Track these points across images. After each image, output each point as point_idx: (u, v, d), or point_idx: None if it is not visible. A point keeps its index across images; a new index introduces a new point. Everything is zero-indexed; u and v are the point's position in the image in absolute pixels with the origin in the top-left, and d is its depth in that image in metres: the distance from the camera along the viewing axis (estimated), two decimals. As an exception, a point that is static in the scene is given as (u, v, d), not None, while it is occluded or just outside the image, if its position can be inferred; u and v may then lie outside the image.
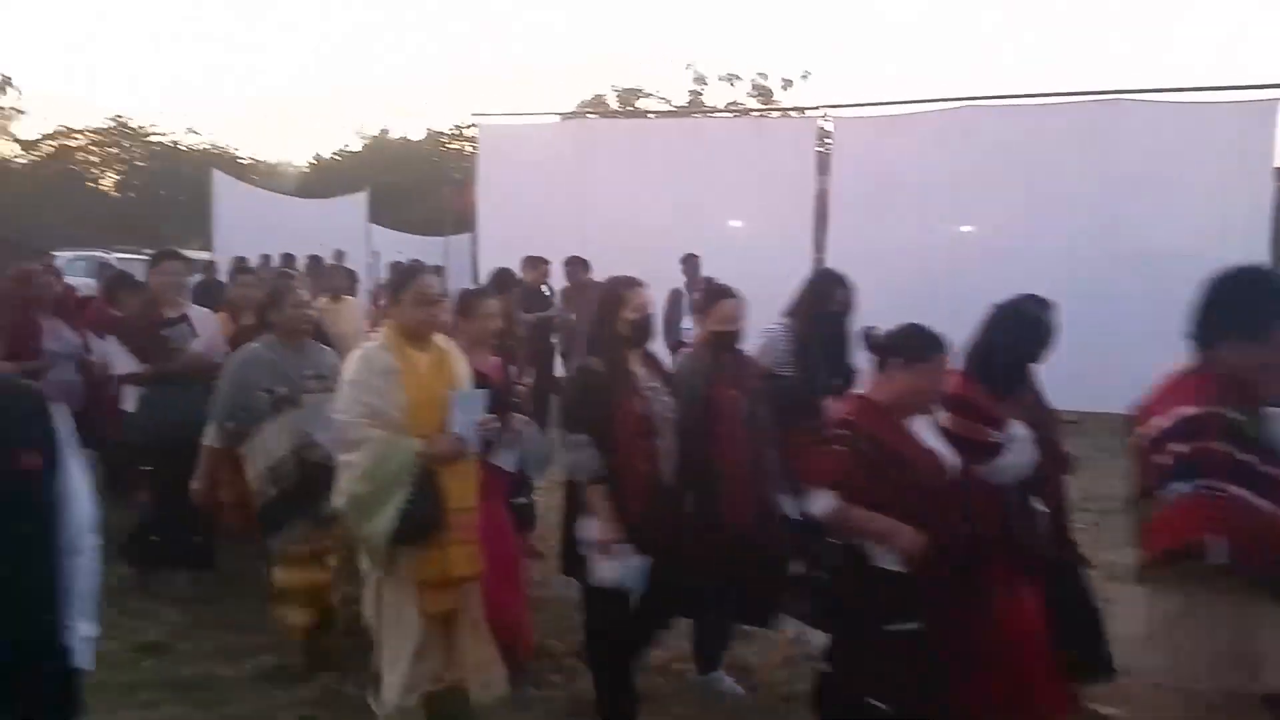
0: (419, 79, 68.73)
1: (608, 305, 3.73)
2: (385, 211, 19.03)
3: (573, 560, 3.71)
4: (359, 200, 17.29)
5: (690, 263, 9.98)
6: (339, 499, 3.43)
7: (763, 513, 3.88)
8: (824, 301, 4.71)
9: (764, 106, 25.15)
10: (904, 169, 10.49)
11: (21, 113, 37.33)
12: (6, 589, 1.74)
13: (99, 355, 5.77)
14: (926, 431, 3.15)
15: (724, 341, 3.98)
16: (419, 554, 3.37)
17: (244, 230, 16.35)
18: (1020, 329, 3.51)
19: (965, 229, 10.48)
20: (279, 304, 4.44)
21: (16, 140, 37.51)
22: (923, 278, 9.23)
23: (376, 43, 66.23)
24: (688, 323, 9.53)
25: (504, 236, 11.86)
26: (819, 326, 4.66)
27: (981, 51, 53.03)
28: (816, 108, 11.91)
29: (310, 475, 4.12)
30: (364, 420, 3.34)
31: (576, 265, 9.44)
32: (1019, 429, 3.32)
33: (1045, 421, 3.56)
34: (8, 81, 36.53)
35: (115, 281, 6.99)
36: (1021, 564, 3.31)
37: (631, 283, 3.77)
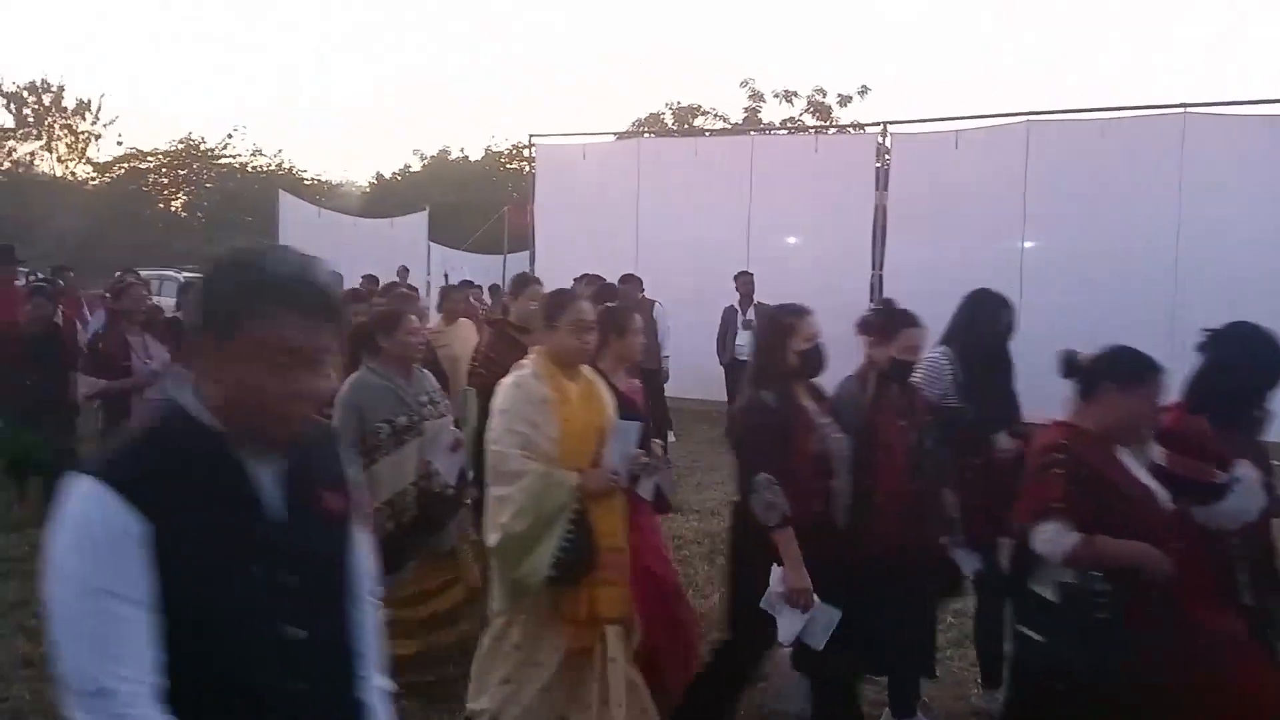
0: (476, 96, 69.97)
1: (776, 335, 3.46)
2: (444, 230, 19.34)
3: (745, 618, 3.43)
4: (420, 219, 17.61)
5: (744, 279, 9.96)
6: (492, 535, 3.23)
7: (925, 554, 3.55)
8: (990, 324, 4.21)
9: (821, 124, 25.04)
10: (964, 184, 10.41)
11: (98, 137, 38.84)
12: (318, 644, 1.54)
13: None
14: (1135, 464, 2.90)
15: (901, 370, 3.63)
16: (566, 592, 3.20)
17: (309, 249, 16.54)
18: (1257, 355, 3.09)
19: (1028, 244, 10.34)
20: (392, 329, 4.17)
21: (90, 163, 38.99)
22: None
23: (433, 59, 67.65)
24: (742, 339, 9.52)
25: (561, 254, 12.00)
26: (982, 352, 4.17)
27: (1042, 65, 52.26)
28: (875, 124, 11.86)
29: (429, 507, 4.03)
30: (519, 451, 3.16)
31: (631, 283, 9.46)
32: (1248, 469, 2.96)
33: (1263, 461, 3.15)
34: (86, 107, 38.13)
35: None
36: (1238, 613, 2.97)
37: (799, 311, 3.48)
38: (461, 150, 37.23)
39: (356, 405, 3.99)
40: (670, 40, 61.39)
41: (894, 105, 59.99)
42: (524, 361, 3.46)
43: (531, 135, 13.96)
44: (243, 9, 65.53)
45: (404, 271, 14.52)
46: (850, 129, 20.42)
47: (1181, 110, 9.63)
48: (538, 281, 5.18)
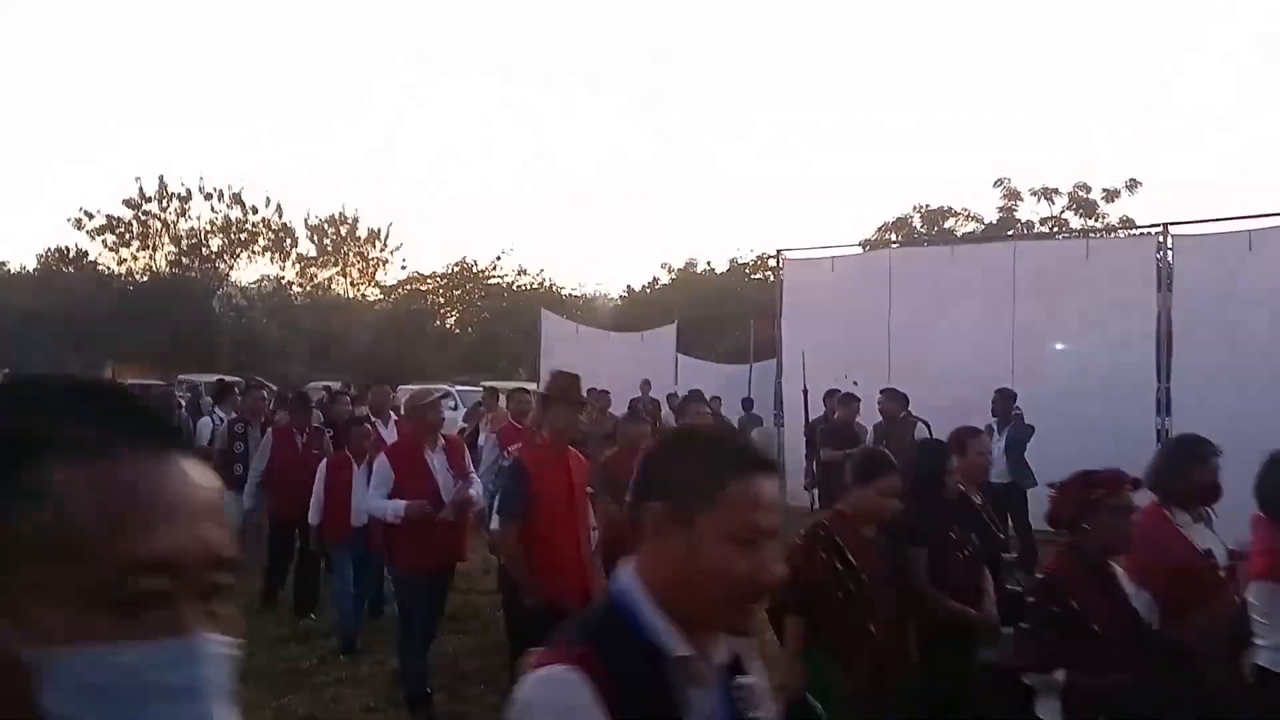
0: (719, 208, 72.04)
1: None
2: (691, 342, 19.73)
3: None
4: (669, 332, 18.10)
5: (1003, 397, 9.24)
6: None
7: None
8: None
9: (1088, 222, 23.63)
10: (1259, 288, 9.43)
11: (385, 262, 43.28)
12: None
13: None
14: None
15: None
16: None
17: (567, 363, 17.50)
18: None
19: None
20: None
21: (378, 285, 43.49)
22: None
23: (676, 174, 70.60)
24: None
25: (808, 367, 11.80)
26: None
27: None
28: (1155, 225, 10.96)
29: None
30: None
31: (892, 399, 9.06)
32: None
33: None
34: (376, 235, 42.68)
35: None
36: None
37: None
38: (708, 263, 38.16)
39: None
40: (914, 139, 60.66)
41: (1169, 200, 55.80)
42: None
43: (780, 250, 14.07)
44: (504, 142, 71.52)
45: (646, 385, 14.80)
46: (1120, 229, 19.16)
47: None
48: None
